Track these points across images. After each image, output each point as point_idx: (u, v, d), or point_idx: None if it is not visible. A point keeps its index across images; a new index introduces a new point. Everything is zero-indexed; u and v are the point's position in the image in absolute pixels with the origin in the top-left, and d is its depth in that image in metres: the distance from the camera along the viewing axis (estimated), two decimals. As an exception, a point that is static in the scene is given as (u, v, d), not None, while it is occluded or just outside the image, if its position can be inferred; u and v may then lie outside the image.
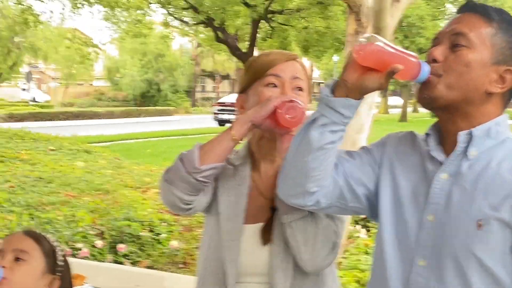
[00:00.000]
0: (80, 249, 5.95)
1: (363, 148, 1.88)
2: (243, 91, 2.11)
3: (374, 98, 5.70)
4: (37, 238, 2.08)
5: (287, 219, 1.93)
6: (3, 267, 1.91)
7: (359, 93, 1.63)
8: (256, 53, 24.16)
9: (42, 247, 2.06)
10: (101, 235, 6.66)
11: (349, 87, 1.62)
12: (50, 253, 2.07)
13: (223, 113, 30.90)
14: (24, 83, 54.21)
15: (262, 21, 22.30)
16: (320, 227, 1.92)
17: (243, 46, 23.97)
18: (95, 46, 31.47)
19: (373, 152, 1.83)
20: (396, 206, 1.74)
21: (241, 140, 1.96)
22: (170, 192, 1.95)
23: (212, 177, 1.96)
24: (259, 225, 2.03)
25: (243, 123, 1.94)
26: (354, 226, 6.90)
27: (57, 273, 2.07)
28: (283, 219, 1.94)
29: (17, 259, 1.99)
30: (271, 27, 22.93)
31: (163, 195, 2.02)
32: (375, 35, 1.59)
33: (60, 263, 2.09)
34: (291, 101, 1.88)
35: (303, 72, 2.07)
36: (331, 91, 1.65)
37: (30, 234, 2.09)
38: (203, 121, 33.35)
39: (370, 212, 1.84)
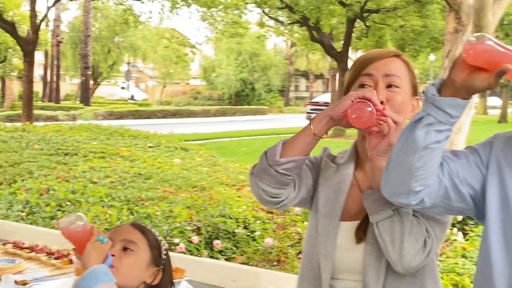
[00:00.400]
0: (177, 244, 6.06)
1: (469, 147, 1.83)
2: (345, 92, 2.10)
3: (473, 98, 5.58)
4: (144, 230, 2.14)
5: (374, 219, 1.92)
6: (112, 255, 1.97)
7: (466, 92, 1.59)
8: (350, 52, 24.00)
9: (148, 239, 2.11)
10: (197, 230, 6.76)
11: (457, 86, 1.58)
12: (155, 246, 2.12)
13: (316, 113, 30.82)
14: (123, 82, 55.66)
15: (357, 20, 22.15)
16: (407, 226, 1.88)
17: (338, 45, 23.87)
18: (192, 46, 32.05)
19: (480, 152, 1.78)
20: (504, 207, 1.69)
21: (322, 135, 1.96)
22: (256, 184, 2.00)
23: (294, 170, 1.97)
24: (356, 223, 2.03)
25: (321, 118, 1.96)
26: (451, 229, 6.74)
27: (160, 266, 2.12)
28: (371, 219, 1.93)
29: (125, 249, 2.05)
30: (367, 26, 22.70)
31: (252, 188, 2.06)
32: (485, 34, 1.54)
33: (163, 256, 2.13)
34: (361, 101, 1.86)
35: (402, 69, 2.04)
36: (438, 90, 1.62)
37: (137, 226, 2.15)
38: (296, 121, 33.31)
39: (475, 213, 1.79)
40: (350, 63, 24.71)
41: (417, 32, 21.53)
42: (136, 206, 7.66)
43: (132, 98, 52.81)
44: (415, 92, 2.06)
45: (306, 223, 7.03)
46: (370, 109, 1.85)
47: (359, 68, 2.04)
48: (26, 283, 2.90)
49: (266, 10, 23.35)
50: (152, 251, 2.10)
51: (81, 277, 1.89)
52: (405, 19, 21.49)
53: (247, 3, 21.67)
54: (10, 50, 34.30)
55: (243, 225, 7.00)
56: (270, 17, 24.37)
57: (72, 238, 1.96)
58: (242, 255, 6.47)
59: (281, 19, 24.39)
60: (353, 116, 1.85)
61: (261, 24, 25.97)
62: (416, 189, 1.70)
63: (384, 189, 1.79)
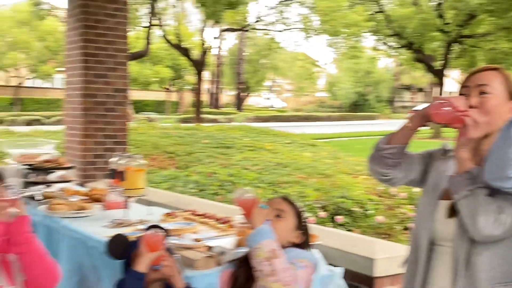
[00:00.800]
0: (307, 218, 6.08)
1: None
2: None
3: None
4: (291, 202, 2.17)
5: (455, 198, 1.89)
6: (269, 220, 2.02)
7: None
8: (447, 70, 23.09)
9: (294, 209, 2.14)
10: (323, 208, 6.75)
11: None
12: (299, 214, 2.14)
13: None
14: (266, 94, 56.29)
15: (454, 43, 21.26)
16: (481, 204, 1.82)
17: (437, 64, 23.01)
18: (319, 66, 31.92)
19: None
20: None
21: (415, 129, 2.01)
22: (370, 166, 2.11)
23: (395, 155, 2.03)
24: (451, 202, 1.99)
25: (415, 117, 1.99)
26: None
27: (302, 230, 2.14)
28: (453, 198, 1.90)
29: (277, 216, 2.09)
30: (462, 48, 21.72)
31: (369, 170, 2.14)
32: None
33: (304, 223, 2.16)
34: (442, 103, 1.86)
35: (495, 79, 1.96)
36: None
37: (287, 199, 2.18)
38: (400, 125, 32.44)
39: None
40: (445, 80, 23.87)
41: (506, 53, 20.34)
42: (277, 187, 7.73)
43: (272, 106, 53.35)
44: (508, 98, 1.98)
45: (410, 206, 6.87)
46: (447, 108, 1.85)
47: (462, 82, 2.03)
48: (200, 240, 3.00)
49: (379, 37, 22.92)
50: (297, 218, 2.13)
51: (251, 234, 1.93)
52: (495, 42, 20.38)
53: (364, 32, 21.35)
54: (185, 69, 35.56)
55: (359, 205, 6.92)
56: (382, 43, 23.89)
57: (243, 206, 2.02)
58: (358, 228, 6.40)
59: (390, 44, 23.86)
60: (433, 112, 1.88)
61: (375, 48, 25.51)
62: (510, 175, 1.67)
63: (486, 174, 1.77)
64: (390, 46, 24.24)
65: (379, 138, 2.08)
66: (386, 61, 53.11)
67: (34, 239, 2.01)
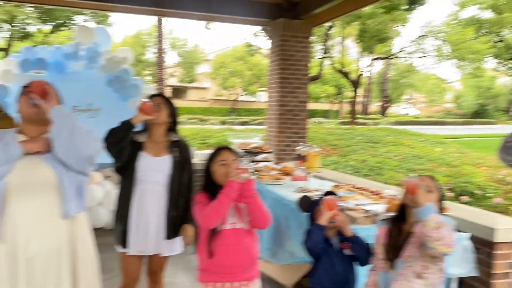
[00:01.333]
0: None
1: None
2: None
3: None
4: (435, 179, 2.03)
5: None
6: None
7: None
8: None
9: (437, 185, 2.00)
10: (450, 190, 6.23)
11: None
12: (439, 190, 2.00)
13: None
14: (404, 104, 53.09)
15: None
16: None
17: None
18: (447, 83, 29.10)
19: None
20: None
21: None
22: (499, 155, 1.93)
23: None
24: None
25: None
26: None
27: (441, 201, 2.00)
28: None
29: (428, 191, 1.95)
30: None
31: (498, 158, 1.94)
32: None
33: (442, 196, 2.00)
34: None
35: None
36: None
37: (431, 177, 2.04)
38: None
39: None
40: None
41: None
42: (414, 173, 7.32)
43: (408, 114, 50.13)
44: None
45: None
46: None
47: None
48: (359, 205, 2.97)
49: (500, 60, 20.23)
50: (438, 193, 2.00)
51: (421, 209, 1.83)
52: None
53: (486, 57, 19.03)
54: (344, 87, 34.98)
55: (480, 189, 6.25)
56: (502, 65, 21.04)
57: (410, 186, 1.92)
58: (478, 207, 5.78)
59: (509, 66, 20.92)
60: None
61: (495, 69, 22.56)
62: None
63: None
64: (508, 68, 21.27)
65: (506, 135, 1.87)
66: (504, 78, 46.66)
67: (257, 194, 2.15)
